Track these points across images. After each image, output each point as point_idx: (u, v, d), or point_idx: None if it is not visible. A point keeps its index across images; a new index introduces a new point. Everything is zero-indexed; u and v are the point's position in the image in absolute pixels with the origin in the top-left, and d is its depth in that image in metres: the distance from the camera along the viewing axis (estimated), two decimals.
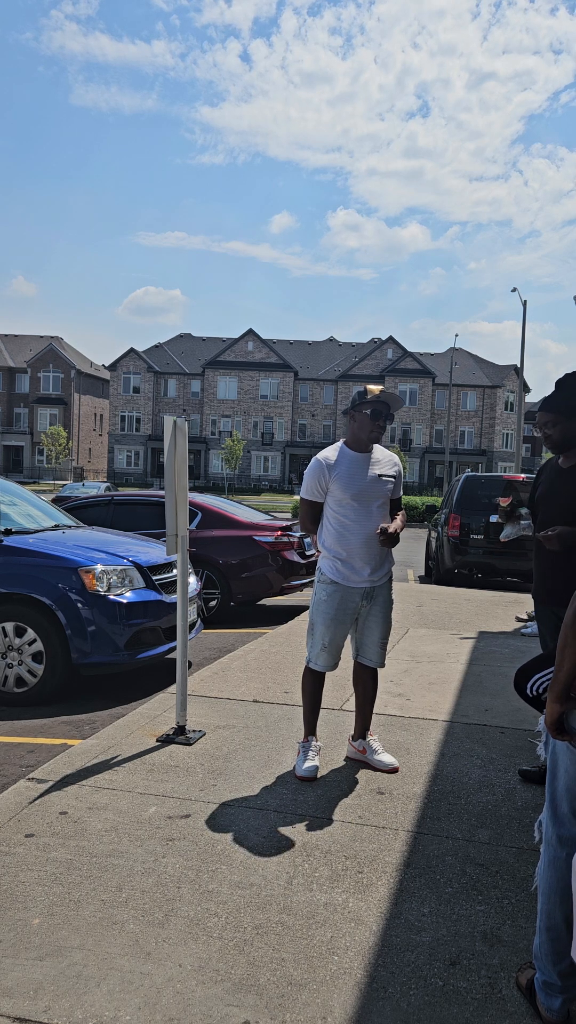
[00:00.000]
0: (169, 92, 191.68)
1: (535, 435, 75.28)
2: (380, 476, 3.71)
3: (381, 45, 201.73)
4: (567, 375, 3.24)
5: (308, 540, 9.11)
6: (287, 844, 3.03)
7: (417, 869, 2.88)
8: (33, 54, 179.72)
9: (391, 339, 63.94)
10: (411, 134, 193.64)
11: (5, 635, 5.25)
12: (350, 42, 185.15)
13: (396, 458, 3.86)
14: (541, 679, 2.57)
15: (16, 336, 72.15)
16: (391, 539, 3.62)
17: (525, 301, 29.82)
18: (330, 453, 3.73)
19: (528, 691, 2.62)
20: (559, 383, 3.24)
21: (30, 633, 5.22)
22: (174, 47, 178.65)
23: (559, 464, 3.39)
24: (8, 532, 5.58)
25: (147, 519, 8.82)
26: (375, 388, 3.69)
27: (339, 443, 3.78)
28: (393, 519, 3.78)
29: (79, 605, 5.21)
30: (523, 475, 11.18)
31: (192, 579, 6.47)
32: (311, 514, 3.81)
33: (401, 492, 3.84)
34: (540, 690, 2.57)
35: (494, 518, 11.08)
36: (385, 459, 3.79)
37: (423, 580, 13.21)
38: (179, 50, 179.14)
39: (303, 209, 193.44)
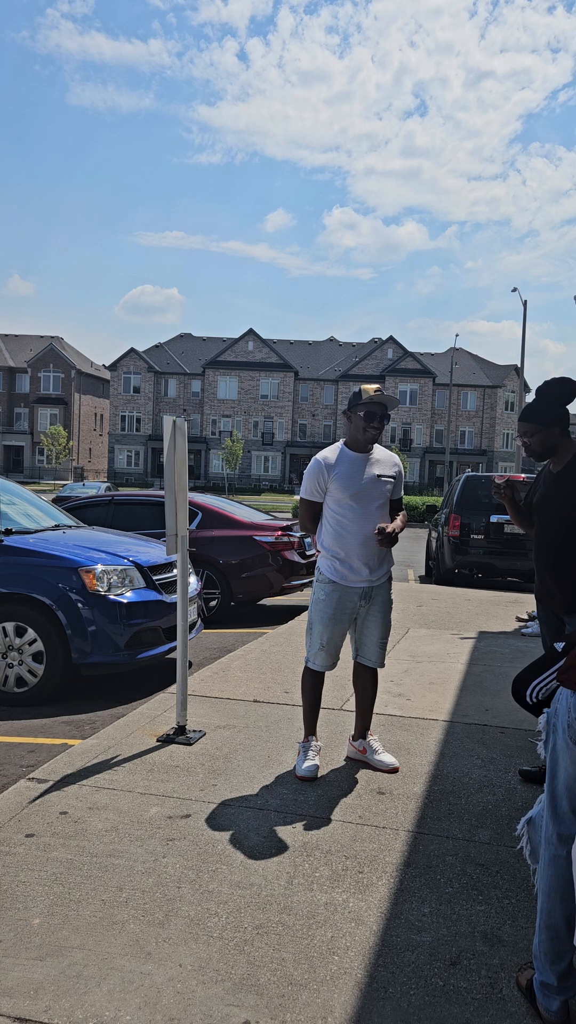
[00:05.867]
0: (166, 91, 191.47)
1: None
2: (379, 476, 3.70)
3: (378, 44, 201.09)
4: (545, 383, 3.30)
5: (308, 540, 9.11)
6: (287, 844, 3.03)
7: (417, 869, 2.88)
8: (29, 53, 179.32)
9: (391, 339, 63.94)
10: (409, 133, 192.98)
11: (5, 635, 5.25)
12: (347, 41, 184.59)
13: (397, 458, 3.85)
14: (540, 685, 2.58)
15: (16, 336, 72.17)
16: (388, 539, 3.61)
17: (525, 301, 29.81)
18: (329, 453, 3.73)
19: (528, 698, 2.62)
20: (538, 391, 3.30)
21: (30, 633, 5.22)
22: (171, 46, 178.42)
23: (551, 469, 3.44)
24: (8, 532, 5.58)
25: (147, 519, 8.82)
26: (370, 388, 3.66)
27: (339, 443, 3.78)
28: (393, 520, 3.78)
29: (79, 605, 5.21)
30: (523, 475, 11.24)
31: (192, 579, 6.47)
32: (310, 514, 3.81)
33: (402, 492, 3.83)
34: (540, 696, 2.57)
35: (495, 518, 11.14)
36: (385, 459, 3.78)
37: (423, 580, 13.21)
38: (176, 49, 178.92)
39: (300, 208, 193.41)
